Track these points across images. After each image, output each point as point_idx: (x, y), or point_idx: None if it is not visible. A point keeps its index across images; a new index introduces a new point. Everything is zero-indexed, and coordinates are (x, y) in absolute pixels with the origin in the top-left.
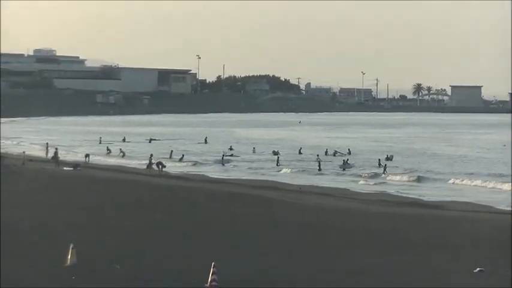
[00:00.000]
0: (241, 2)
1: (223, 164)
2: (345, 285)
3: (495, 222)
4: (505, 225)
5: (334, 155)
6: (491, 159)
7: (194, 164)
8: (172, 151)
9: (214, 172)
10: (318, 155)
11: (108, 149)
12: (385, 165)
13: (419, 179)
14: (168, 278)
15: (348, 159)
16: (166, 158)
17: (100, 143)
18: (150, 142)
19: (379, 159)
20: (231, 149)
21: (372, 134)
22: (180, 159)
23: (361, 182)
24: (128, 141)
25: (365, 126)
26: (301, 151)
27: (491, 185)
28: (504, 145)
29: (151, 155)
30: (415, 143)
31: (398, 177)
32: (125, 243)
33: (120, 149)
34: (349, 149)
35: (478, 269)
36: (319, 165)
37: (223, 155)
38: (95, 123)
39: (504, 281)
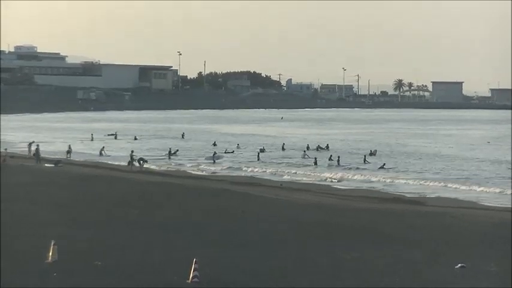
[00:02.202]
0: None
1: (214, 161)
2: (325, 280)
3: (478, 218)
4: (487, 221)
5: (305, 151)
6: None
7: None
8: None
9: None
10: (305, 151)
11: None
12: (365, 156)
13: (398, 177)
14: (150, 274)
15: (331, 155)
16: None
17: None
18: (135, 139)
19: (365, 156)
20: (226, 151)
21: (354, 129)
22: (172, 153)
23: (343, 177)
24: (120, 139)
25: (347, 122)
26: (284, 147)
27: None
28: (488, 142)
29: (132, 152)
30: (398, 140)
31: (378, 174)
32: (105, 240)
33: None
34: (327, 145)
35: (459, 264)
36: (316, 161)
37: (214, 152)
38: (85, 119)
39: (485, 277)
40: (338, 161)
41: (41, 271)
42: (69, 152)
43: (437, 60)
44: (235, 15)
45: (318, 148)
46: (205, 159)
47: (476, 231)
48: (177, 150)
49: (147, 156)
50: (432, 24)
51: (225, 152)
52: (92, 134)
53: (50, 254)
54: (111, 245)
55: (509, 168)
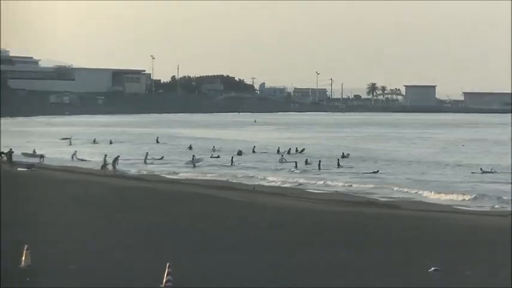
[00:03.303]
0: (194, 3)
1: (194, 165)
2: (298, 282)
3: (453, 221)
4: (462, 224)
5: (288, 153)
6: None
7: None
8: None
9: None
10: (282, 155)
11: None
12: (338, 160)
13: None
14: (123, 278)
15: (307, 159)
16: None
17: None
18: (110, 143)
19: (338, 159)
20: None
21: (328, 133)
22: (159, 158)
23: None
24: (97, 143)
25: (320, 126)
26: (255, 150)
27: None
28: (463, 145)
29: (106, 155)
30: (371, 143)
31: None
32: (78, 243)
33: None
34: (302, 148)
35: (433, 268)
36: (296, 164)
37: (193, 156)
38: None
39: (459, 281)
40: (319, 165)
41: (13, 276)
42: (42, 156)
43: (410, 64)
44: (208, 19)
45: (289, 151)
46: (185, 163)
47: (451, 235)
48: (162, 157)
49: (124, 160)
50: (405, 27)
51: (211, 157)
52: (70, 139)
53: (23, 258)
54: (86, 249)
55: (479, 172)
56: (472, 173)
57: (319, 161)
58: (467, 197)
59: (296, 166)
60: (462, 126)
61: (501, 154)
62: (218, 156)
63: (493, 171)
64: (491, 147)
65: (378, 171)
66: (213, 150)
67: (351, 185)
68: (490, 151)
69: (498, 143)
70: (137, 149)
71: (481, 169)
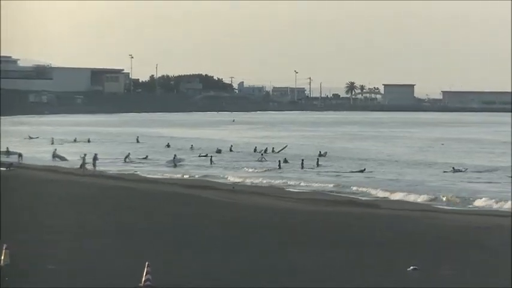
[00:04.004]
0: (172, 2)
1: (175, 165)
2: (280, 283)
3: (432, 220)
4: (441, 223)
5: (262, 154)
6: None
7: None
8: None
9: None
10: (262, 154)
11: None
12: (318, 159)
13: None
14: (102, 278)
15: (286, 158)
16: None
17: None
18: (88, 142)
19: (318, 159)
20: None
21: (306, 132)
22: (125, 159)
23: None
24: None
25: (298, 125)
26: (232, 148)
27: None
28: (442, 143)
29: (85, 155)
30: (348, 142)
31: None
32: (58, 243)
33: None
34: (285, 145)
35: (411, 267)
36: (279, 164)
37: (174, 156)
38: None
39: (438, 280)
40: (302, 164)
41: None
42: (20, 155)
43: (389, 63)
44: (187, 18)
45: (265, 151)
46: (166, 162)
47: (430, 234)
48: (147, 156)
49: (103, 159)
50: (383, 26)
51: (199, 156)
52: (52, 138)
53: (2, 258)
54: (66, 249)
55: (450, 171)
56: (444, 172)
57: (302, 160)
58: (426, 197)
59: (279, 166)
60: (441, 125)
61: (479, 153)
62: (207, 155)
63: (464, 170)
64: (470, 146)
65: (364, 170)
66: (191, 149)
67: (332, 184)
68: (468, 150)
69: (476, 142)
70: (117, 149)
71: (453, 168)
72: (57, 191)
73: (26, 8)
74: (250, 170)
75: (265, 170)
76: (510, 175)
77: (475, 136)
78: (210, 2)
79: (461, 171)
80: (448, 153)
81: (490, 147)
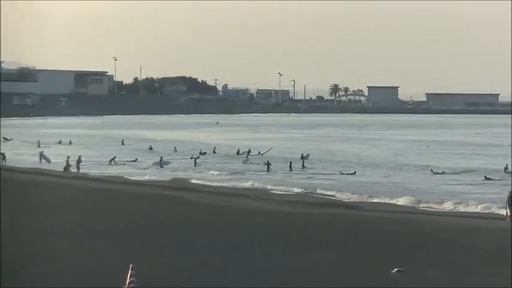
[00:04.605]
0: (157, 3)
1: (161, 167)
2: (262, 283)
3: (415, 222)
4: (424, 225)
5: (247, 156)
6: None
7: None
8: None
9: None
10: (247, 156)
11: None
12: (303, 162)
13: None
14: (86, 279)
15: (268, 161)
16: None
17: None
18: (70, 144)
19: (303, 161)
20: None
21: (289, 134)
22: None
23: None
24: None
25: (282, 127)
26: (216, 151)
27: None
28: (427, 146)
29: (68, 157)
30: (333, 145)
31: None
32: (41, 244)
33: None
34: (270, 147)
35: (396, 269)
36: (268, 167)
37: (161, 158)
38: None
39: (422, 282)
40: (290, 166)
41: None
42: (3, 157)
43: (373, 65)
44: (171, 19)
45: (249, 152)
46: (153, 164)
47: (414, 236)
48: (136, 159)
49: (89, 162)
50: (367, 28)
51: (190, 158)
52: (38, 140)
53: None
54: (49, 250)
55: (429, 174)
56: (423, 174)
57: (290, 162)
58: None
59: (268, 168)
60: (426, 127)
61: (462, 155)
62: (199, 157)
63: (443, 172)
64: (454, 148)
65: (355, 172)
66: (175, 151)
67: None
68: (453, 152)
69: (461, 145)
70: (102, 151)
71: (431, 171)
72: (41, 193)
73: (10, 10)
74: (216, 172)
75: (231, 173)
76: (485, 177)
77: (459, 138)
78: (194, 2)
79: (440, 173)
80: (431, 155)
81: (472, 149)
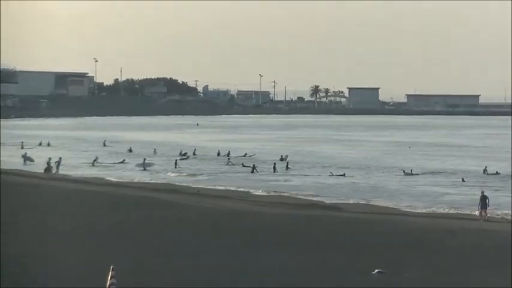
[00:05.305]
0: (137, 4)
1: (144, 169)
2: (244, 283)
3: (395, 223)
4: (404, 226)
5: (229, 158)
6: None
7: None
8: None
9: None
10: (229, 158)
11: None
12: (287, 164)
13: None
14: (68, 280)
15: (243, 163)
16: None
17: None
18: (48, 145)
19: (287, 162)
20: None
21: (269, 135)
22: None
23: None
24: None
25: (262, 128)
26: (196, 152)
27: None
28: (409, 147)
29: (50, 158)
30: (313, 146)
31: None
32: (22, 246)
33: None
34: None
35: (376, 270)
36: (254, 168)
37: (144, 159)
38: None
39: (403, 283)
40: (274, 167)
41: None
42: None
43: (354, 66)
44: (150, 20)
45: (228, 154)
46: (136, 166)
47: (395, 237)
48: (123, 160)
49: (70, 163)
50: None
51: (180, 159)
52: (22, 142)
53: None
54: (30, 252)
55: (401, 175)
56: (396, 175)
57: (274, 164)
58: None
59: (253, 170)
60: (406, 128)
61: (442, 157)
62: (188, 157)
63: (414, 173)
64: (434, 150)
65: (344, 174)
66: (154, 153)
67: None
68: (431, 154)
69: (439, 146)
70: (83, 152)
71: (403, 171)
72: (20, 193)
73: None
74: (173, 174)
75: (187, 175)
76: (462, 179)
77: (439, 140)
78: (174, 2)
79: (411, 174)
80: (411, 156)
81: (450, 150)
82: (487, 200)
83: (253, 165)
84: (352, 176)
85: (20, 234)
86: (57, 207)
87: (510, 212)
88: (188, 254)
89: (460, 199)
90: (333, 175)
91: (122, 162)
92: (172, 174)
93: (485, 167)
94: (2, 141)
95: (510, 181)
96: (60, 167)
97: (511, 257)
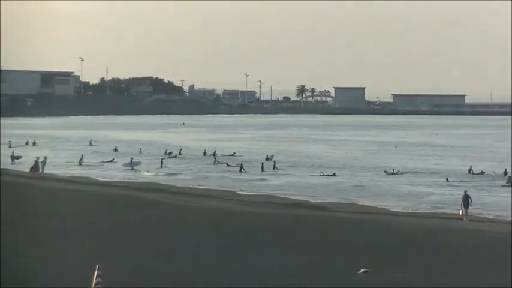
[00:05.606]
0: (123, 3)
1: (132, 168)
2: (230, 283)
3: (380, 223)
4: (389, 226)
5: (215, 157)
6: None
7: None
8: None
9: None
10: (215, 157)
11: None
12: (274, 163)
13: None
14: (53, 280)
15: (227, 163)
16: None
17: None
18: (34, 145)
19: (274, 162)
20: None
21: (255, 135)
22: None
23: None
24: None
25: (248, 128)
26: (182, 152)
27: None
28: (395, 146)
29: (37, 158)
30: (299, 146)
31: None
32: (4, 246)
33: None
34: (233, 152)
35: (362, 270)
36: (242, 168)
37: (131, 158)
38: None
39: (388, 283)
40: (262, 167)
41: None
42: None
43: (340, 66)
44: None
45: (214, 154)
46: (123, 165)
47: (380, 236)
48: (113, 159)
49: (56, 162)
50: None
51: (169, 157)
52: (10, 141)
53: None
54: (13, 251)
55: (383, 174)
56: (380, 175)
57: (262, 164)
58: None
59: (241, 170)
60: (392, 128)
61: (426, 156)
62: (175, 157)
63: (396, 172)
64: (419, 149)
65: (334, 174)
66: (140, 152)
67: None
68: (417, 153)
69: (426, 145)
70: (69, 151)
71: (385, 171)
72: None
73: None
74: (148, 173)
75: (166, 174)
76: (446, 179)
77: (424, 139)
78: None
79: (393, 174)
80: (397, 156)
81: (435, 150)
82: (470, 200)
83: (241, 164)
84: (341, 176)
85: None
86: (44, 207)
87: (493, 212)
88: (164, 254)
89: (444, 199)
90: (323, 175)
91: (111, 161)
92: (157, 174)
93: (471, 166)
94: None
95: (497, 181)
96: (47, 167)
97: (511, 258)
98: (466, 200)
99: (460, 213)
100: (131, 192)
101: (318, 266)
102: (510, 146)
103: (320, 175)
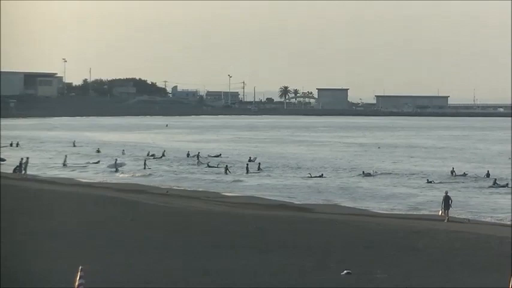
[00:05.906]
0: (106, 3)
1: (116, 169)
2: (212, 284)
3: (364, 224)
4: (372, 227)
5: (198, 159)
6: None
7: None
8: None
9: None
10: (199, 159)
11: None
12: (259, 164)
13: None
14: (36, 280)
15: (208, 163)
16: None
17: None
18: (17, 146)
19: (259, 163)
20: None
21: (238, 136)
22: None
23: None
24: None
25: (231, 129)
26: (165, 153)
27: None
28: (379, 147)
29: (22, 159)
30: (282, 147)
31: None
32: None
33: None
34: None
35: (345, 271)
36: (227, 169)
37: (116, 159)
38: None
39: (371, 284)
40: (247, 168)
41: None
42: None
43: (323, 68)
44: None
45: (198, 155)
46: (108, 167)
47: (363, 238)
48: (99, 161)
49: (39, 164)
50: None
51: (153, 158)
52: None
53: None
54: None
55: (361, 175)
56: (361, 176)
57: (247, 164)
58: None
59: (226, 171)
60: (375, 129)
61: (408, 157)
62: (160, 157)
63: (373, 173)
64: (401, 151)
65: (322, 175)
66: (123, 154)
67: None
68: (399, 154)
69: (408, 147)
70: (52, 153)
71: (363, 172)
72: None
73: None
74: (131, 175)
75: (137, 175)
76: (427, 180)
77: (407, 141)
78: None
79: (370, 175)
80: (380, 157)
81: (418, 151)
82: (450, 201)
83: (226, 166)
84: (326, 177)
85: None
86: (25, 208)
87: (475, 213)
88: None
89: (425, 200)
90: (311, 177)
91: (97, 163)
92: (142, 175)
93: (453, 168)
94: None
95: (479, 182)
96: (30, 168)
97: (510, 261)
98: (447, 201)
99: (440, 213)
100: (113, 193)
101: (301, 267)
102: (492, 148)
103: (308, 177)
